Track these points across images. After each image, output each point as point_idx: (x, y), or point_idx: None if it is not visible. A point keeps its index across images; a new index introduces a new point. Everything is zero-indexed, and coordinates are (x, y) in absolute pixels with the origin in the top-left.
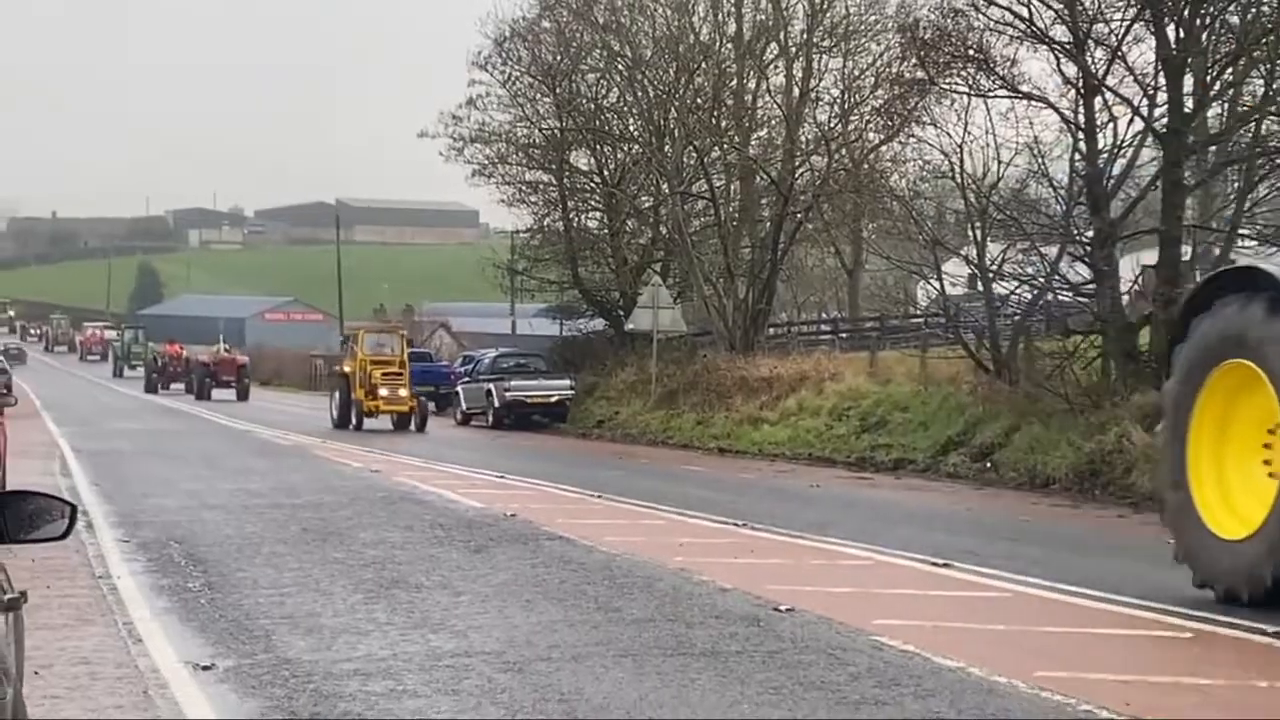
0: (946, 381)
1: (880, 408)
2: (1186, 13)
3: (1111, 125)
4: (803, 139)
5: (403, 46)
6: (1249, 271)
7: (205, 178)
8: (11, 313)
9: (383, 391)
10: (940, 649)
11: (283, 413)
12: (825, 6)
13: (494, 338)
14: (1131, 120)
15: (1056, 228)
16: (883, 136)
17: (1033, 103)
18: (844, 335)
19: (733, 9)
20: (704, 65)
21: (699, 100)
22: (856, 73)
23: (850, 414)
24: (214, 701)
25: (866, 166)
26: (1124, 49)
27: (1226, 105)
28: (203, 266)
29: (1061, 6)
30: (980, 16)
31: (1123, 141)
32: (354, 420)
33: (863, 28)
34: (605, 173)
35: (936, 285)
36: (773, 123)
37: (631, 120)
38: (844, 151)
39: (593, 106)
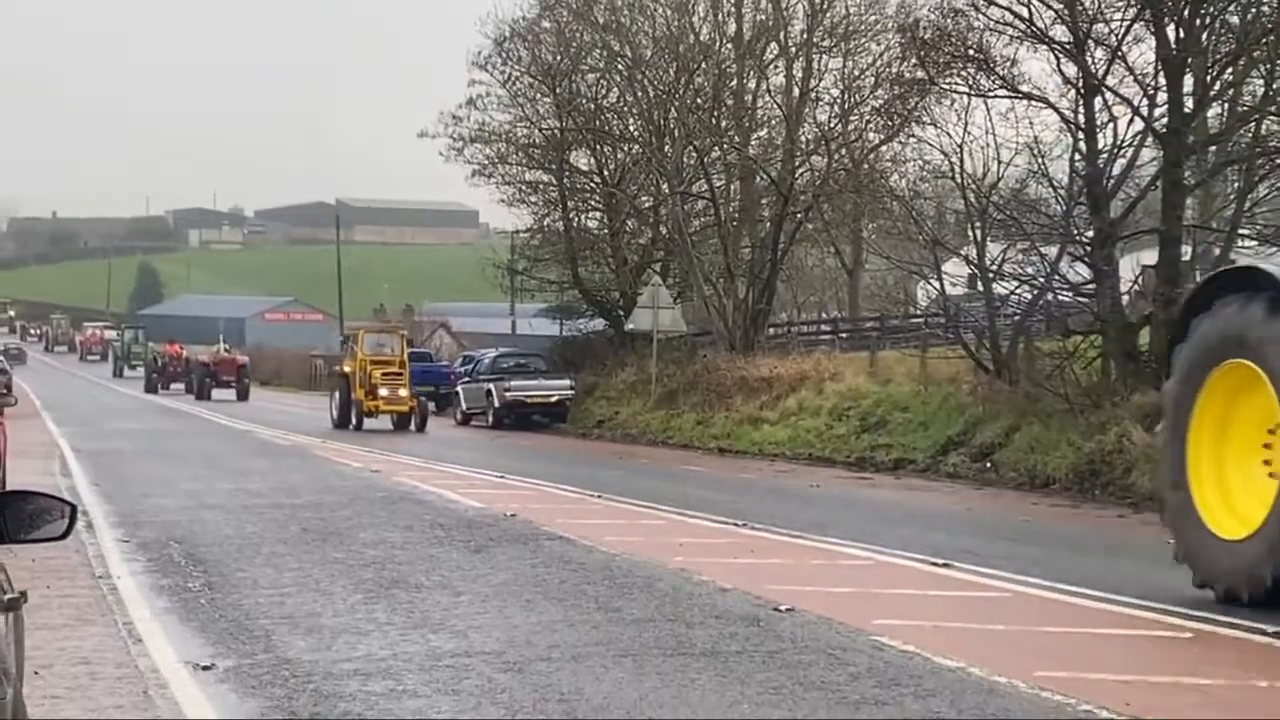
0: (946, 381)
1: (880, 408)
2: (1186, 13)
3: (1111, 125)
4: (803, 139)
5: (403, 46)
6: (1249, 271)
7: (205, 178)
8: (12, 313)
9: (383, 391)
10: (940, 649)
11: (282, 413)
12: (825, 6)
13: (494, 338)
14: (1131, 120)
15: (1056, 228)
16: (883, 136)
17: (1033, 103)
18: (844, 335)
19: (733, 9)
20: (704, 65)
21: (699, 100)
22: (856, 73)
23: (850, 414)
24: (214, 701)
25: (866, 166)
26: (1124, 49)
27: (1226, 105)
28: (203, 266)
29: (1061, 6)
30: (980, 16)
31: (1123, 141)
32: (354, 420)
33: (863, 28)
34: (605, 173)
35: (936, 285)
36: (773, 123)
37: (631, 120)
38: (844, 151)
39: (593, 106)
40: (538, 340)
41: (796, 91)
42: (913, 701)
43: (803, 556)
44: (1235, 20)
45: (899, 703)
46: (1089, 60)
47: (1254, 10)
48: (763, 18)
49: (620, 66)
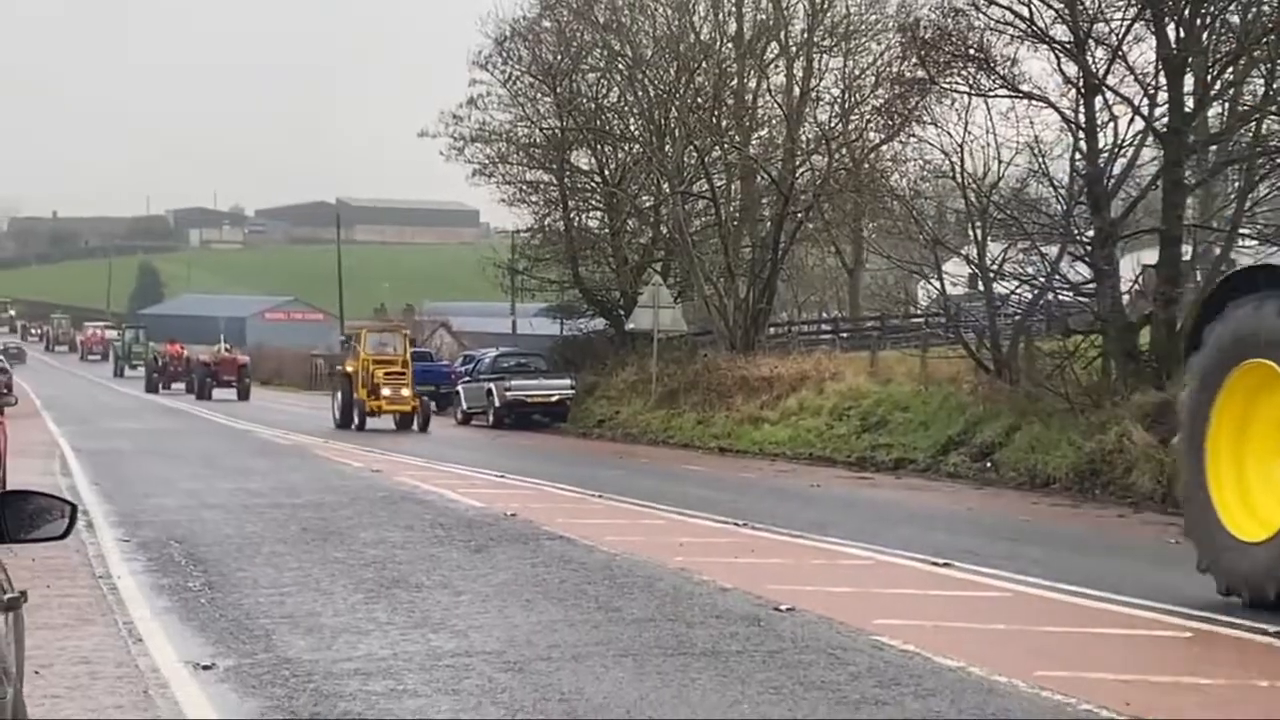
0: (947, 381)
1: (881, 407)
2: (1187, 12)
3: (1112, 125)
4: (803, 138)
5: (403, 46)
6: (1260, 270)
7: (205, 177)
8: (12, 312)
9: (385, 391)
10: (940, 648)
11: (283, 412)
12: (826, 6)
13: (494, 337)
14: (1132, 120)
15: (1057, 227)
16: (883, 136)
17: (1033, 102)
18: (844, 335)
19: (733, 8)
20: (704, 65)
21: (699, 100)
22: (857, 72)
23: (851, 414)
24: (214, 701)
25: (867, 166)
26: (1124, 48)
27: (1227, 105)
28: (203, 266)
29: (1062, 6)
30: (981, 16)
31: (1123, 141)
32: (356, 420)
33: (863, 27)
34: (606, 172)
35: (937, 285)
36: (773, 122)
37: (632, 120)
38: (844, 151)
39: (593, 106)
40: (538, 340)
41: (797, 91)
42: (913, 701)
43: (803, 556)
44: (1236, 20)
45: (899, 702)
46: (1089, 60)
47: (1254, 10)
48: (763, 17)
49: (621, 66)
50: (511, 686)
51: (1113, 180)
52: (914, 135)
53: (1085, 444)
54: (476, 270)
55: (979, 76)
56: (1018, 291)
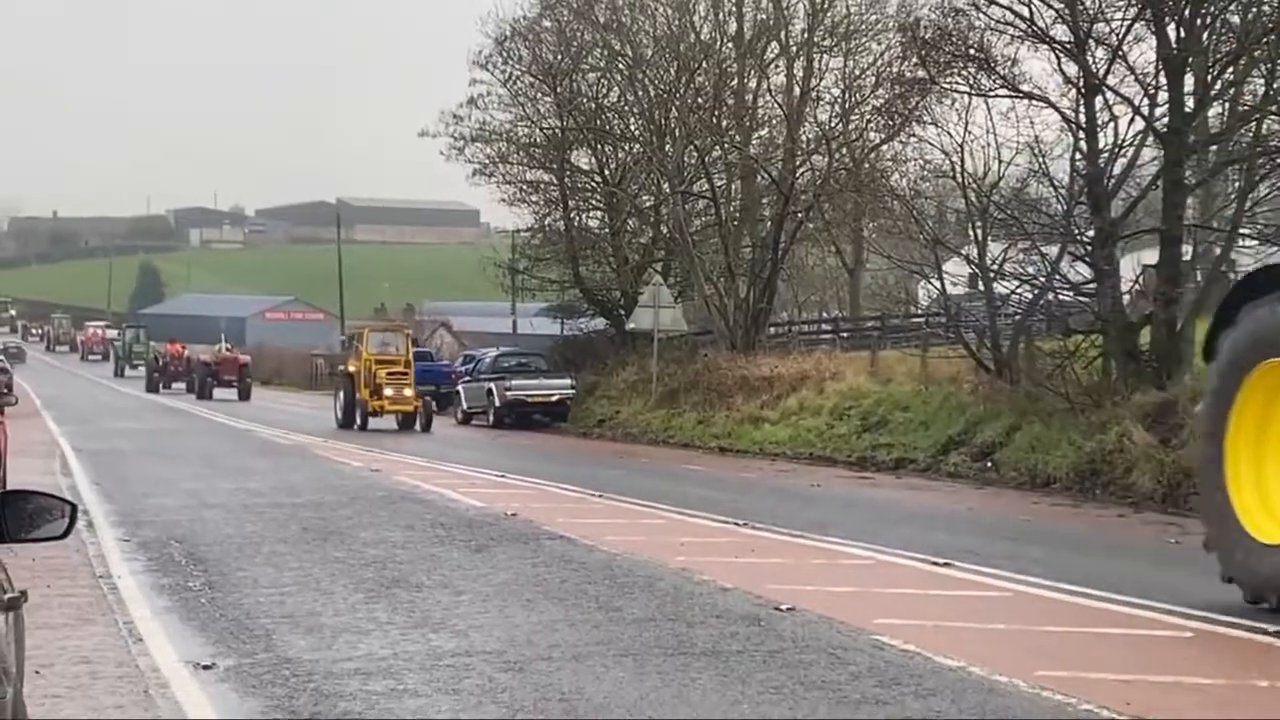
0: (947, 381)
1: (881, 407)
2: (1187, 12)
3: (1112, 125)
4: (804, 138)
5: (403, 46)
6: (1275, 270)
7: (206, 177)
8: (13, 312)
9: (388, 391)
10: (941, 648)
11: (283, 412)
12: (826, 6)
13: (495, 337)
14: (1132, 120)
15: (1057, 227)
16: (883, 136)
17: (1033, 102)
18: (845, 335)
19: (733, 8)
20: (705, 64)
21: (700, 99)
22: (857, 72)
23: (851, 413)
24: (215, 701)
25: (867, 166)
26: (1125, 48)
27: (1227, 105)
28: (203, 266)
29: (1062, 6)
30: (981, 16)
31: (1123, 141)
32: (359, 420)
33: (863, 27)
34: (606, 172)
35: (937, 285)
36: (774, 122)
37: (632, 119)
38: (845, 151)
39: (593, 106)
40: (539, 339)
41: (797, 91)
42: (913, 701)
43: (804, 556)
44: (1236, 20)
45: (899, 702)
46: (1090, 60)
47: (1255, 10)
48: (763, 17)
49: (621, 66)
50: (512, 686)
51: (1113, 180)
52: (914, 135)
53: (1085, 444)
54: (477, 270)
55: (979, 76)
56: (1018, 291)
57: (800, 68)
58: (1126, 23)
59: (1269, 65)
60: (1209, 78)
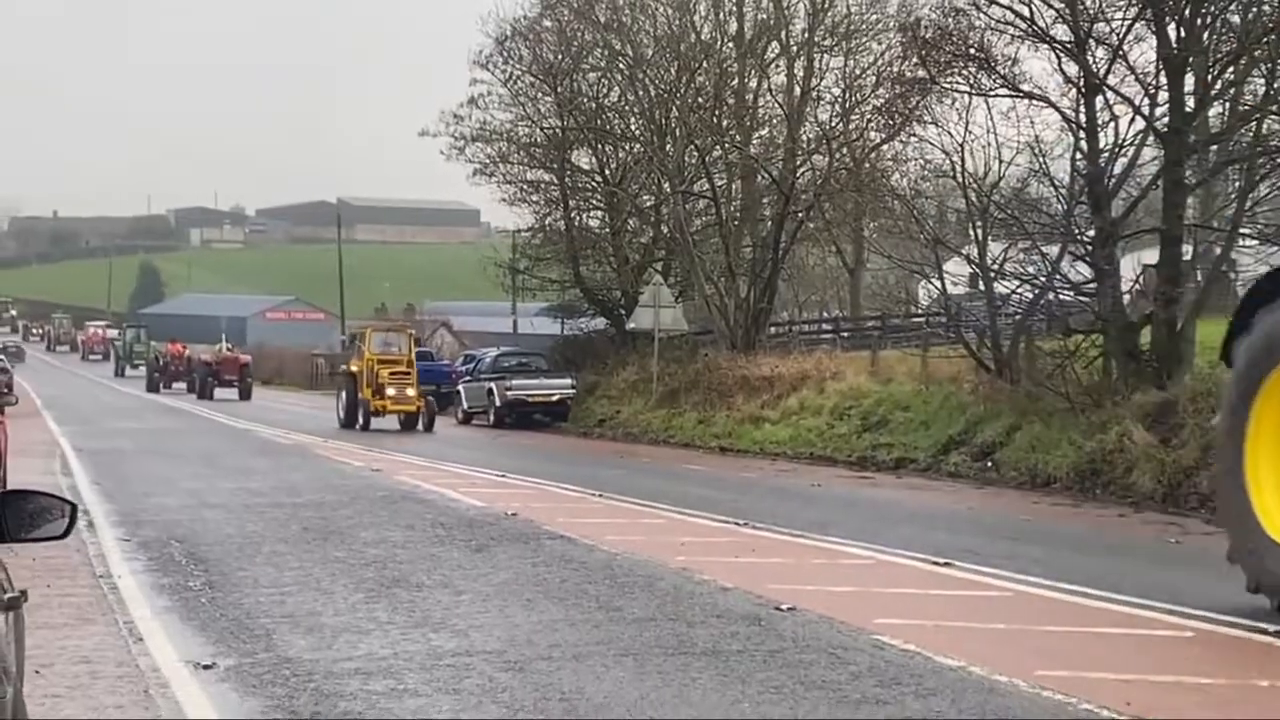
0: (948, 381)
1: (881, 407)
2: (1188, 12)
3: (1113, 124)
4: (804, 138)
5: (403, 46)
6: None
7: (206, 177)
8: (13, 312)
9: (390, 391)
10: (941, 648)
11: (284, 412)
12: (826, 5)
13: (495, 336)
14: (1133, 119)
15: (1058, 227)
16: (884, 135)
17: (1034, 102)
18: (845, 334)
19: (734, 8)
20: (705, 64)
21: (700, 99)
22: (858, 72)
23: (851, 413)
24: (215, 700)
25: (868, 166)
26: (1125, 48)
27: (1228, 104)
28: (204, 265)
29: (1063, 6)
30: (981, 16)
31: (1124, 140)
32: (361, 420)
33: (864, 27)
34: (606, 172)
35: (938, 284)
36: (774, 122)
37: (633, 119)
38: (845, 150)
39: (594, 105)
40: (539, 339)
41: (798, 90)
42: (913, 700)
43: (804, 556)
44: (1236, 19)
45: (900, 701)
46: (1090, 59)
47: (1255, 9)
48: (764, 17)
49: (621, 65)
50: (512, 686)
51: (1113, 180)
52: (915, 135)
53: (1086, 443)
54: (477, 270)
55: (980, 76)
56: (1018, 291)
57: (801, 67)
58: (1127, 22)
59: (1269, 65)
60: (1209, 77)
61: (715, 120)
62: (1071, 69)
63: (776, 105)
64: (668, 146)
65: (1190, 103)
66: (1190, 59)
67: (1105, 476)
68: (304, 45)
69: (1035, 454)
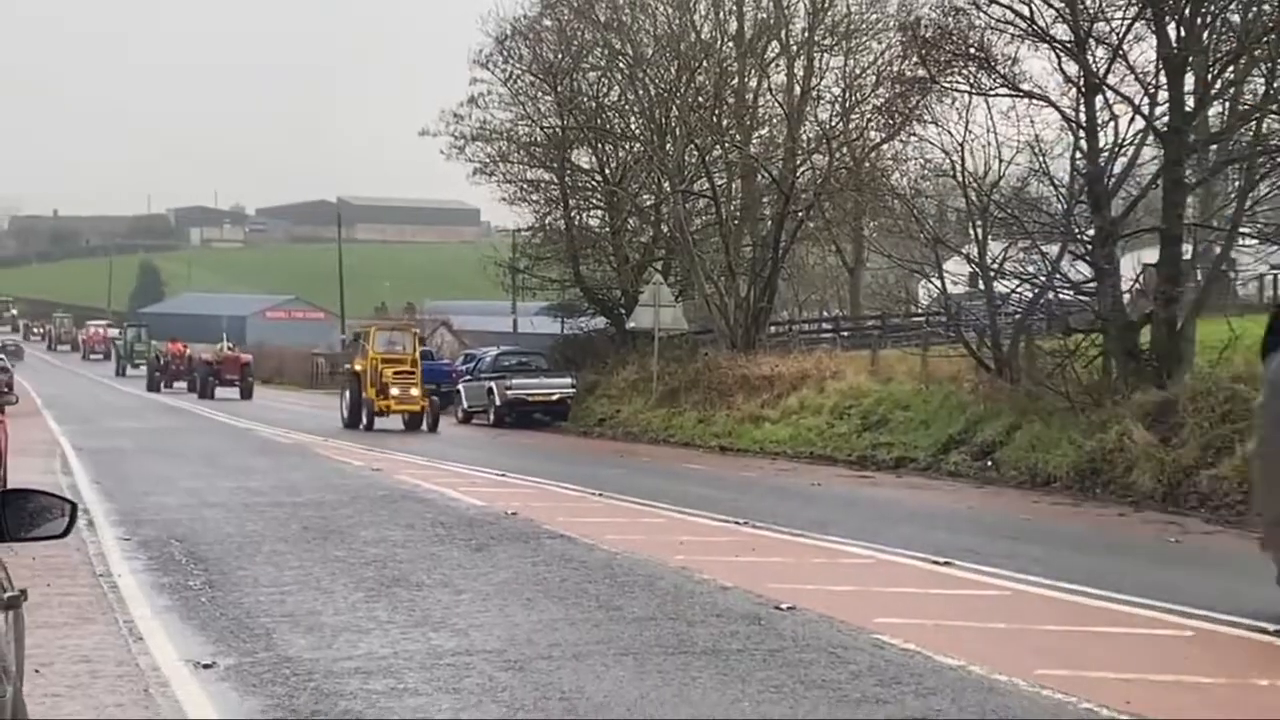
0: (948, 380)
1: (881, 406)
2: (1187, 11)
3: (1112, 124)
4: (804, 137)
5: (403, 46)
6: None
7: (206, 177)
8: (14, 311)
9: (394, 391)
10: (941, 647)
11: (284, 411)
12: (826, 5)
13: (495, 336)
14: (1133, 119)
15: (1057, 226)
16: (884, 135)
17: (1034, 101)
18: (845, 334)
19: (734, 7)
20: (705, 63)
21: (700, 98)
22: (858, 71)
23: (851, 412)
24: (215, 700)
25: (868, 165)
26: (1125, 47)
27: (1227, 104)
28: (204, 265)
29: (1063, 5)
30: (981, 15)
31: (1124, 140)
32: (365, 420)
33: (864, 26)
34: (606, 171)
35: (938, 284)
36: (774, 121)
37: (633, 118)
38: (845, 150)
39: (594, 105)
40: (539, 338)
41: (798, 90)
42: (913, 699)
43: (804, 555)
44: (1236, 19)
45: (900, 701)
46: (1090, 59)
47: (1255, 9)
48: (764, 16)
49: (621, 65)
50: (512, 685)
51: (1113, 179)
52: (915, 134)
53: (1086, 443)
54: (477, 269)
55: (979, 75)
56: (1018, 290)
57: (801, 67)
58: (1127, 22)
59: (1269, 64)
60: (1209, 77)
61: (715, 119)
62: (1071, 68)
63: (776, 104)
64: (668, 146)
65: (1190, 102)
66: (1190, 58)
67: (1105, 476)
68: (304, 45)
69: (1035, 453)
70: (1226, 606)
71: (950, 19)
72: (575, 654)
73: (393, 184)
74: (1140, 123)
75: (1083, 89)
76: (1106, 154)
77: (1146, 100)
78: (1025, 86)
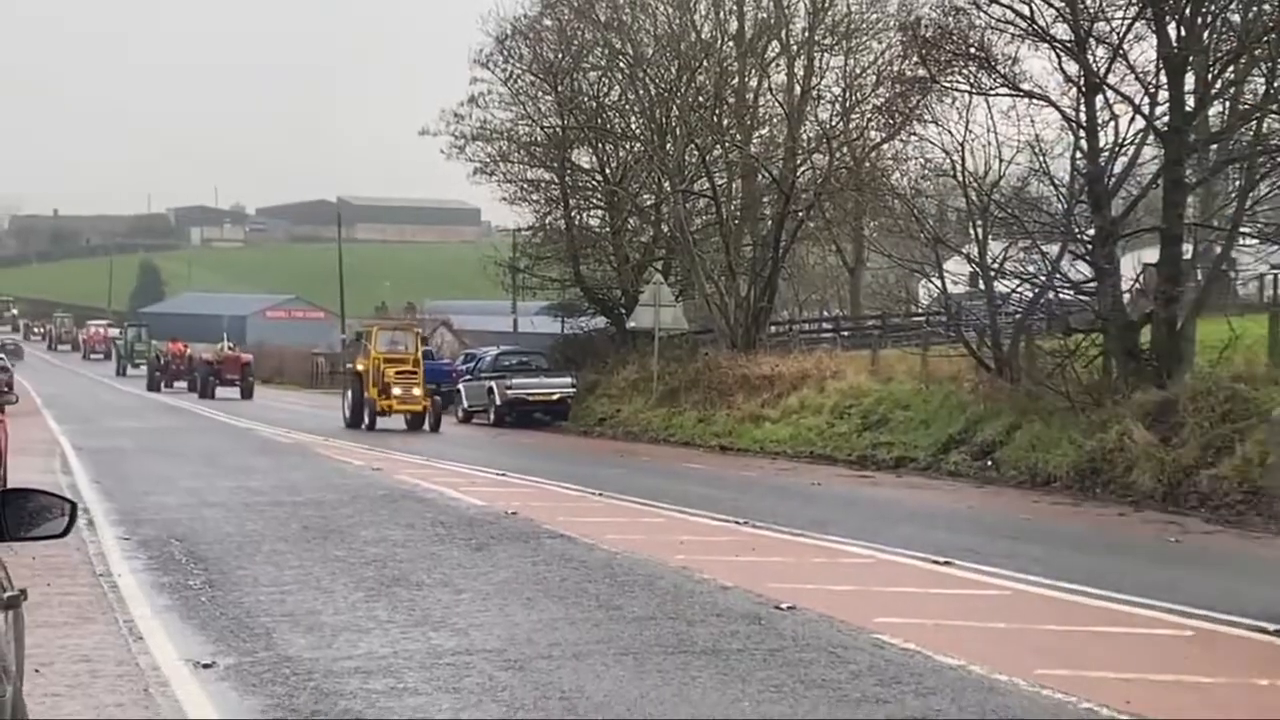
0: (948, 380)
1: (881, 406)
2: (1188, 11)
3: (1113, 123)
4: (804, 137)
5: (403, 46)
6: None
7: (206, 176)
8: (14, 310)
9: (396, 390)
10: (941, 647)
11: (284, 411)
12: (827, 5)
13: (495, 335)
14: (1133, 118)
15: (1058, 226)
16: (884, 135)
17: (1034, 101)
18: (845, 333)
19: (734, 7)
20: (706, 63)
21: (700, 98)
22: (858, 71)
23: (852, 412)
24: (215, 699)
25: (868, 165)
26: (1125, 47)
27: (1228, 103)
28: (204, 264)
29: (1063, 5)
30: (982, 14)
31: (1124, 139)
32: (367, 420)
33: (864, 26)
34: (607, 171)
35: (938, 283)
36: (774, 121)
37: (633, 118)
38: (845, 150)
39: (594, 104)
40: (539, 338)
41: (798, 90)
42: (913, 699)
43: (804, 554)
44: (1236, 18)
45: (900, 700)
46: (1090, 58)
47: (1255, 8)
48: (764, 16)
49: (622, 64)
50: (512, 685)
51: (1113, 179)
52: (915, 134)
53: (1086, 442)
54: (478, 268)
55: (980, 75)
56: (1019, 290)
57: (801, 66)
58: (1127, 21)
59: (1269, 64)
60: (1209, 76)
61: (715, 119)
62: (1072, 68)
63: (777, 104)
64: (668, 145)
65: (1190, 102)
66: (1190, 58)
67: (1105, 475)
68: (304, 45)
69: (1035, 453)
70: (1226, 606)
71: (950, 19)
72: (575, 653)
73: (393, 184)
74: (1140, 122)
75: (1083, 89)
76: (1107, 154)
77: (1147, 100)
78: (1025, 86)
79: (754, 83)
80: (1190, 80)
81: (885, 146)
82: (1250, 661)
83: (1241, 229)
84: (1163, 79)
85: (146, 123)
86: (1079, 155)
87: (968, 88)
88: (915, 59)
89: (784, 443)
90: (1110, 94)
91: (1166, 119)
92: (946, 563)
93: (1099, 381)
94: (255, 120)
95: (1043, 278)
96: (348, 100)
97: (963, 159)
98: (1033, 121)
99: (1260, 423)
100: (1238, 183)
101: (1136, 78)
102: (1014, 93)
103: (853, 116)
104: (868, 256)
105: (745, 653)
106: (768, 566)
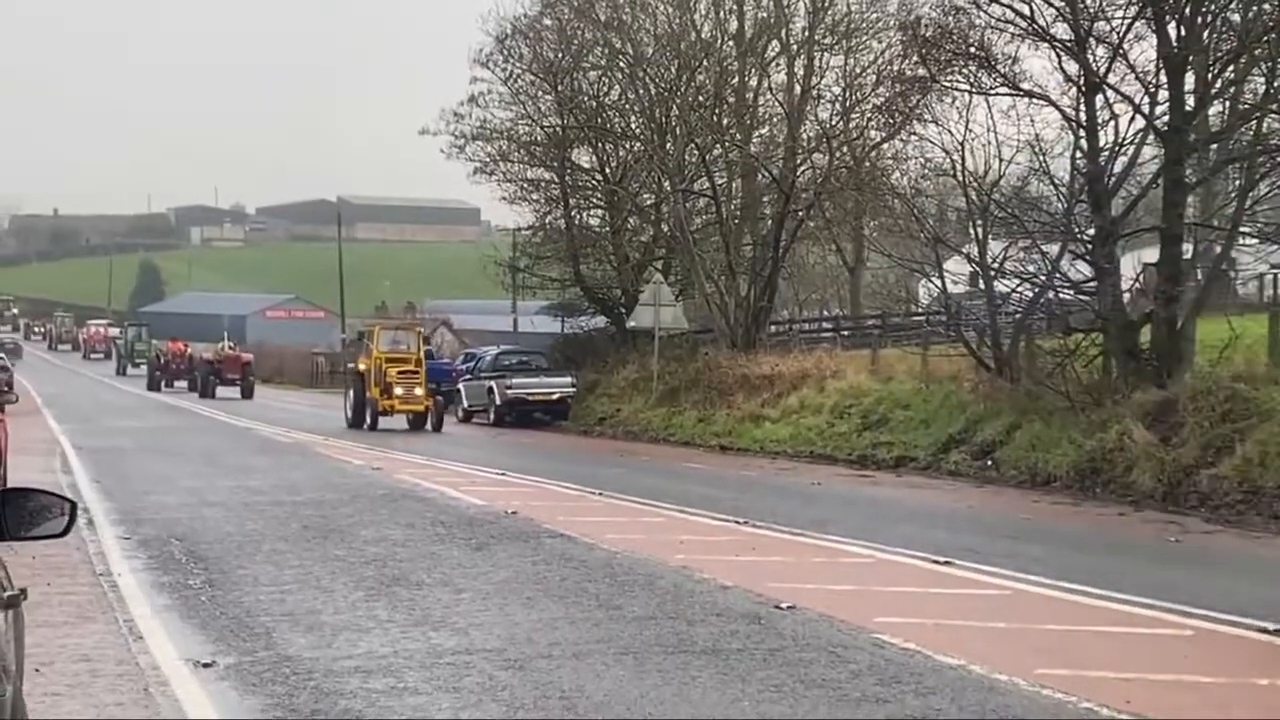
0: (948, 379)
1: (881, 405)
2: (1188, 10)
3: (1113, 123)
4: (804, 137)
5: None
6: None
7: (206, 176)
8: (15, 310)
9: (398, 390)
10: (941, 647)
11: (284, 410)
12: (827, 4)
13: (495, 335)
14: (1133, 118)
15: (1058, 225)
16: (884, 134)
17: (1034, 100)
18: (845, 333)
19: (734, 6)
20: (705, 63)
21: (700, 98)
22: (858, 70)
23: (852, 412)
24: (214, 699)
25: (868, 164)
26: (1125, 47)
27: (1228, 103)
28: (204, 264)
29: (1063, 4)
30: (982, 14)
31: (1124, 139)
32: (368, 419)
33: (864, 25)
34: (607, 170)
35: (938, 283)
36: (774, 120)
37: (633, 118)
38: (845, 149)
39: (594, 104)
40: (539, 338)
41: (798, 89)
42: (913, 699)
43: (804, 554)
44: (1236, 18)
45: (900, 700)
46: (1090, 58)
47: (1255, 8)
48: (764, 15)
49: (622, 64)
50: (512, 684)
51: (1113, 178)
52: (915, 133)
53: (1086, 442)
54: (478, 268)
55: (980, 75)
56: (1019, 290)
57: (801, 66)
58: (1127, 21)
59: (1269, 63)
60: (1209, 76)
61: (715, 119)
62: (1072, 67)
63: (777, 104)
64: (668, 145)
65: (1190, 101)
66: (1190, 57)
67: (1105, 475)
68: (304, 45)
69: (1035, 452)
70: (1226, 606)
71: (950, 18)
72: (575, 653)
73: (393, 183)
74: (1140, 122)
75: (1083, 88)
76: (1107, 153)
77: (1147, 99)
78: (1025, 86)
79: (754, 82)
80: (1190, 80)
81: (885, 146)
82: (1250, 661)
83: (1241, 229)
84: (1163, 78)
85: (146, 123)
86: (1079, 155)
87: (968, 87)
88: (915, 58)
89: (784, 442)
90: (1110, 93)
91: (1166, 119)
92: (946, 562)
93: (1099, 381)
94: (255, 120)
95: (1043, 277)
96: (348, 100)
97: (963, 158)
98: (1033, 121)
99: (1260, 422)
100: (1238, 182)
101: (1136, 77)
102: (1014, 92)
103: (853, 116)
104: (868, 256)
105: (745, 652)
106: (768, 566)
